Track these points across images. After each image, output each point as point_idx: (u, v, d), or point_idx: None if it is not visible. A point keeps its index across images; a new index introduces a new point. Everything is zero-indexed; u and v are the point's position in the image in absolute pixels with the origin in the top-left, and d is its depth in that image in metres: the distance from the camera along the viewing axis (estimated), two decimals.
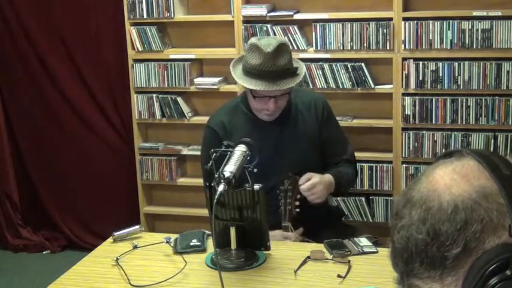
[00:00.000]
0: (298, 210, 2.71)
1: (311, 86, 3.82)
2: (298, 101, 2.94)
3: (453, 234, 0.81)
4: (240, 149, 2.41)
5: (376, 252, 2.51)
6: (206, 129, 2.94)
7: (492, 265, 0.79)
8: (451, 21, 3.61)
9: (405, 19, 3.66)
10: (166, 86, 4.08)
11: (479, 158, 0.86)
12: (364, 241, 2.58)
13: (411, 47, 3.68)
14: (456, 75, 3.65)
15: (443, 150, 3.73)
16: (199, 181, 3.31)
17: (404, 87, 3.74)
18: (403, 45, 3.69)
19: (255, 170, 2.38)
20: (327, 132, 2.94)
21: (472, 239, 0.80)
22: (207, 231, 2.67)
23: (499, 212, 0.81)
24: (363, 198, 3.89)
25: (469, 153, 0.87)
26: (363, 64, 3.77)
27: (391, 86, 3.78)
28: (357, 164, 3.18)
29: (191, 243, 2.58)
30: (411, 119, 3.75)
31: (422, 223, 0.83)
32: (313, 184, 2.71)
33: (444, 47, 3.64)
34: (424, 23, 3.64)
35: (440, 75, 3.67)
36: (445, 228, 0.81)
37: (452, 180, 0.84)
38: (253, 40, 2.78)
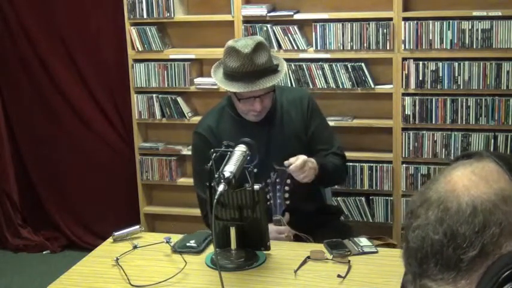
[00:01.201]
0: (288, 202, 2.68)
1: (311, 86, 3.82)
2: (283, 99, 2.92)
3: (470, 237, 0.79)
4: (240, 149, 2.41)
5: (376, 252, 2.51)
6: (195, 135, 2.92)
7: (507, 270, 0.77)
8: (451, 21, 3.60)
9: (405, 19, 3.66)
10: (166, 86, 4.08)
11: (499, 161, 0.84)
12: (364, 241, 2.58)
13: (411, 47, 3.68)
14: (456, 75, 3.65)
15: (444, 150, 3.73)
16: None
17: (404, 87, 3.74)
18: (403, 45, 3.69)
19: (255, 170, 2.38)
20: (312, 128, 2.93)
21: (489, 242, 0.79)
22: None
23: None
24: (363, 198, 3.89)
25: (488, 156, 0.86)
26: (363, 64, 3.77)
27: (391, 86, 3.78)
28: (348, 163, 3.18)
29: (187, 244, 2.58)
30: (411, 119, 3.75)
31: (440, 223, 0.81)
32: (304, 161, 2.65)
33: (444, 47, 3.64)
34: (424, 23, 3.64)
35: (440, 75, 3.67)
36: (462, 230, 0.79)
37: (471, 182, 0.82)
38: (230, 43, 2.75)
